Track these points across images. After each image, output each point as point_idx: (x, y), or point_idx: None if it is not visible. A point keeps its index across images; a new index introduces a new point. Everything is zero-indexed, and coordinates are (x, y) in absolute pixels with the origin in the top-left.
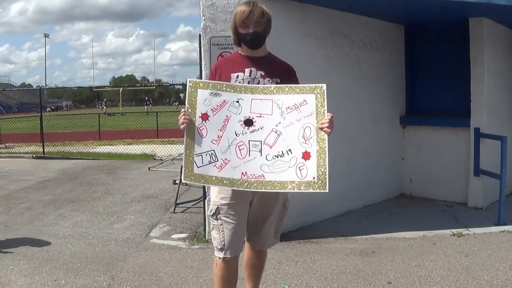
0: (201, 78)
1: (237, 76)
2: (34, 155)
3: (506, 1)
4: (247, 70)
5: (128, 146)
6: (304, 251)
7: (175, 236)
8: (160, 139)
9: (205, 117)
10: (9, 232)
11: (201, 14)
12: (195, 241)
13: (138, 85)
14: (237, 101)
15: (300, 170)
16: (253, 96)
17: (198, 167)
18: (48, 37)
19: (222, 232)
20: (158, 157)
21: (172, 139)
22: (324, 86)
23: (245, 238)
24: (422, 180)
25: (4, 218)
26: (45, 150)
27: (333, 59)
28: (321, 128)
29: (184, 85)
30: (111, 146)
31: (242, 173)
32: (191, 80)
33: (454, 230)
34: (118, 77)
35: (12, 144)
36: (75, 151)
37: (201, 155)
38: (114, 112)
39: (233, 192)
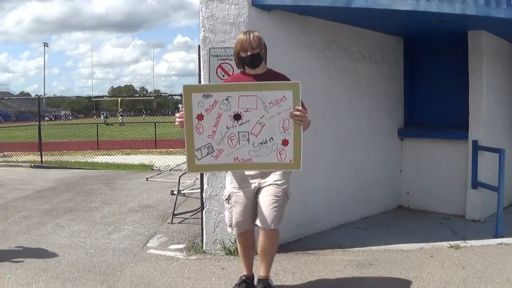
0: None
1: None
2: (32, 164)
3: (505, 14)
4: None
5: (126, 156)
6: (301, 263)
7: (172, 246)
8: (158, 150)
9: (200, 117)
10: (6, 241)
11: (201, 25)
12: (193, 252)
13: (137, 95)
14: (227, 99)
15: (280, 154)
16: (240, 93)
17: (198, 160)
18: (47, 46)
19: (231, 213)
20: (156, 167)
21: (170, 149)
22: (299, 82)
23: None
24: (420, 192)
25: (2, 227)
26: (43, 159)
27: (332, 71)
28: (291, 117)
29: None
30: (109, 156)
31: (234, 158)
32: (185, 84)
33: (452, 243)
34: (116, 87)
35: (10, 153)
36: (73, 161)
37: (200, 149)
38: (113, 122)
39: (240, 182)
